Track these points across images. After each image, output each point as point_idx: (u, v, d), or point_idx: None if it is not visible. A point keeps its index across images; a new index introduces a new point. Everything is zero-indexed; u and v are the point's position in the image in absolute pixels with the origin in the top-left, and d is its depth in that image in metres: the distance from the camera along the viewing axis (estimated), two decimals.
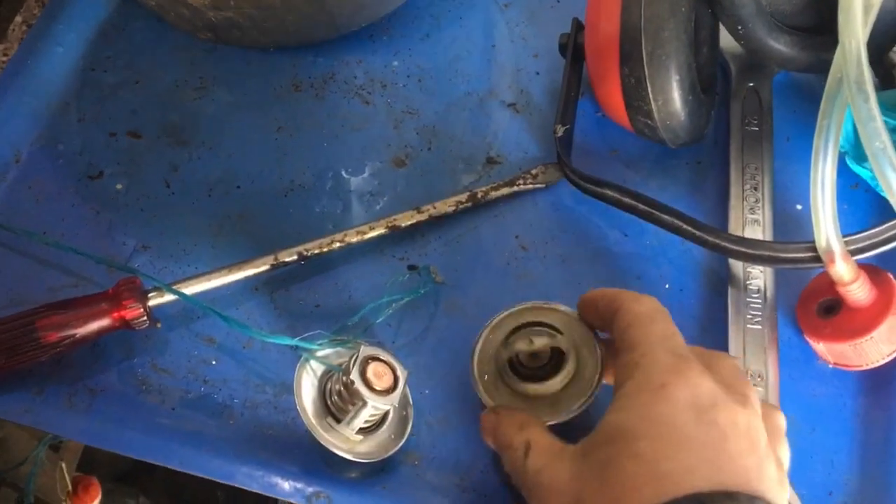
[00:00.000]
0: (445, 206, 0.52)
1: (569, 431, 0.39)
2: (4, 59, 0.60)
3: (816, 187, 0.43)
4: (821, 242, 0.44)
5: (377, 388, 0.43)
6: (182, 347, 0.49)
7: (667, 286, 0.51)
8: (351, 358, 0.43)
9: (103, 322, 0.46)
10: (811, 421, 0.47)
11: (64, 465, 0.83)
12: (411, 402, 0.47)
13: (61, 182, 0.55)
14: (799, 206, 0.53)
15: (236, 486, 0.45)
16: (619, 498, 0.32)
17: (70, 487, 0.85)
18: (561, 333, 0.43)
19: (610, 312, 0.39)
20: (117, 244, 0.53)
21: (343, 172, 0.56)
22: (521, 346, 0.42)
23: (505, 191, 0.53)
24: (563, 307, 0.44)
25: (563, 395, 0.42)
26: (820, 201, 0.43)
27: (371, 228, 0.51)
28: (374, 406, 0.43)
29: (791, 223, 0.53)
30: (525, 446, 0.38)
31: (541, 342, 0.42)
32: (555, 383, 0.41)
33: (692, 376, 0.34)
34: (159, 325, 0.49)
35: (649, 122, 0.50)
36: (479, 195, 0.53)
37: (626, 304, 0.39)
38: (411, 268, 0.52)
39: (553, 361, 0.42)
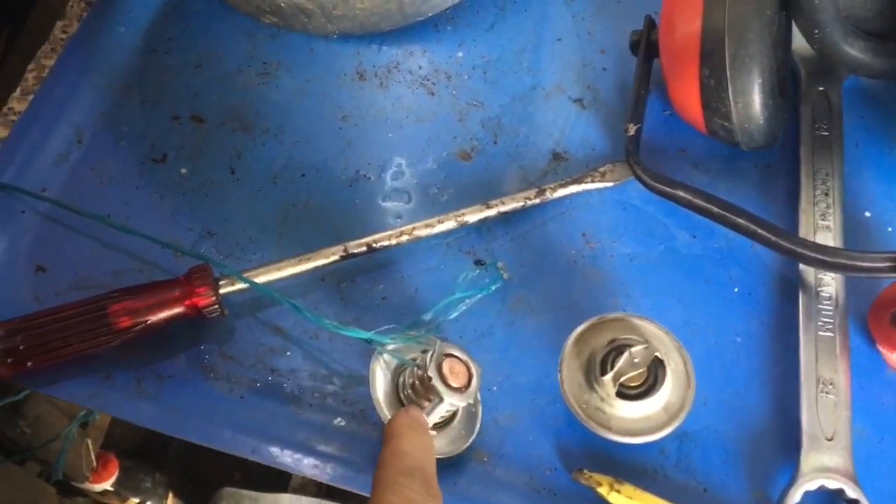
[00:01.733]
0: (514, 201, 0.52)
1: None
2: (63, 36, 0.60)
3: None
4: None
5: (453, 384, 0.43)
6: (249, 336, 0.49)
7: (735, 290, 0.51)
8: (428, 354, 0.43)
9: (175, 309, 0.46)
10: (880, 429, 0.47)
11: (90, 441, 0.84)
12: (479, 398, 0.47)
13: (125, 164, 0.54)
14: (868, 214, 0.53)
15: (304, 473, 0.45)
16: None
17: (94, 464, 0.86)
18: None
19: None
20: (182, 229, 0.52)
21: (407, 164, 0.55)
22: (627, 367, 0.44)
23: (573, 188, 0.53)
24: (645, 320, 0.46)
25: (646, 419, 0.45)
26: None
27: (439, 222, 0.51)
28: (450, 402, 0.42)
29: (860, 230, 0.52)
30: None
31: (643, 359, 0.44)
32: (648, 405, 0.44)
33: None
34: (226, 313, 0.49)
35: (726, 123, 0.50)
36: (547, 192, 0.53)
37: (379, 490, 0.36)
38: (478, 263, 0.52)
39: (648, 382, 0.45)
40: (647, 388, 0.44)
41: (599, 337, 0.46)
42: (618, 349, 0.45)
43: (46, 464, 0.77)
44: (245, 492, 0.95)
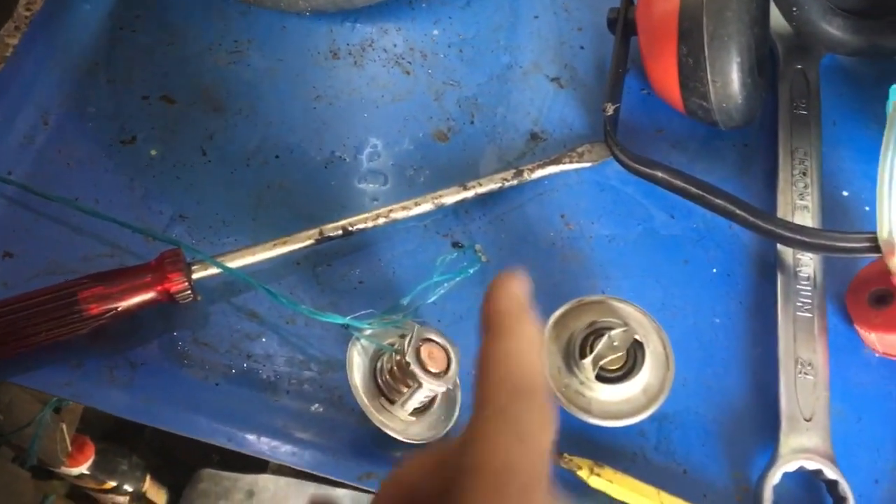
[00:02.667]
0: (491, 182, 0.51)
1: None
2: (28, 13, 0.58)
3: (883, 179, 0.42)
4: (883, 234, 0.43)
5: (431, 369, 0.42)
6: (224, 321, 0.48)
7: (714, 270, 0.51)
8: (406, 339, 0.43)
9: (147, 295, 0.45)
10: (857, 409, 0.47)
11: (65, 426, 0.83)
12: (458, 383, 0.46)
13: (93, 147, 0.53)
14: (845, 193, 0.53)
15: (281, 461, 0.45)
16: None
17: (69, 448, 0.85)
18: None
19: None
20: (153, 213, 0.51)
21: (383, 145, 0.54)
22: (606, 350, 0.44)
23: (551, 169, 0.52)
24: (624, 303, 0.46)
25: (626, 401, 0.45)
26: (886, 193, 0.42)
27: (416, 204, 0.50)
28: (429, 388, 0.42)
29: (838, 209, 0.52)
30: None
31: (622, 342, 0.44)
32: (627, 388, 0.44)
33: None
34: (200, 299, 0.48)
35: (704, 103, 0.49)
36: (525, 173, 0.52)
37: (486, 416, 0.26)
38: (456, 245, 0.51)
39: (627, 364, 0.45)
40: (627, 370, 0.44)
41: (578, 320, 0.46)
42: (597, 332, 0.45)
43: (20, 449, 0.76)
44: (224, 473, 0.95)
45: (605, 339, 0.43)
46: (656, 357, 0.45)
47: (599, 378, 0.44)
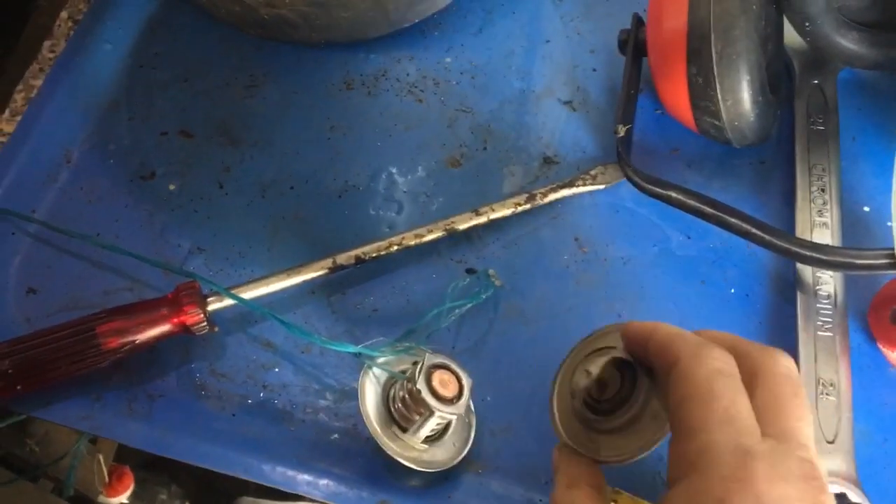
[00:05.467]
0: (504, 207, 0.51)
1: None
2: (51, 55, 0.60)
3: None
4: None
5: (443, 396, 0.42)
6: (240, 352, 0.49)
7: (732, 291, 0.50)
8: (416, 366, 0.43)
9: (163, 327, 0.46)
10: (883, 430, 0.46)
11: (101, 457, 0.84)
12: (473, 409, 0.46)
13: (113, 183, 0.54)
14: (866, 208, 0.52)
15: (297, 491, 0.45)
16: None
17: (107, 478, 0.86)
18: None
19: (663, 365, 0.33)
20: (172, 246, 0.52)
21: (397, 173, 0.55)
22: (580, 378, 0.38)
23: (564, 192, 0.52)
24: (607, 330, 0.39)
25: (636, 429, 0.37)
26: None
27: (429, 231, 0.50)
28: (440, 415, 0.42)
29: (859, 225, 0.51)
30: None
31: (597, 368, 0.38)
32: (625, 413, 0.37)
33: (757, 485, 0.28)
34: (216, 330, 0.49)
35: (716, 122, 0.49)
36: (538, 197, 0.52)
37: (683, 362, 0.32)
38: (470, 271, 0.51)
39: (625, 388, 0.37)
40: (622, 398, 0.38)
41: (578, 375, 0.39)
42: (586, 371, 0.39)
43: (59, 480, 0.77)
44: (262, 501, 0.95)
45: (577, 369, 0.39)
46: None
47: (596, 412, 0.38)
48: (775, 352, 0.33)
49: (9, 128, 0.56)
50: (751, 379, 0.31)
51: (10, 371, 0.44)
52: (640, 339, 0.35)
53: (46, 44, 0.60)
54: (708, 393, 0.30)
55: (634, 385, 0.37)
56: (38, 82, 0.58)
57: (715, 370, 0.31)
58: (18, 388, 0.45)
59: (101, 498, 0.84)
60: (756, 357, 0.32)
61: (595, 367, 0.37)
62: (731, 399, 0.30)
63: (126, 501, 0.88)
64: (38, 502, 0.77)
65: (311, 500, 0.93)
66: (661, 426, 0.36)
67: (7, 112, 0.57)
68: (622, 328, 0.37)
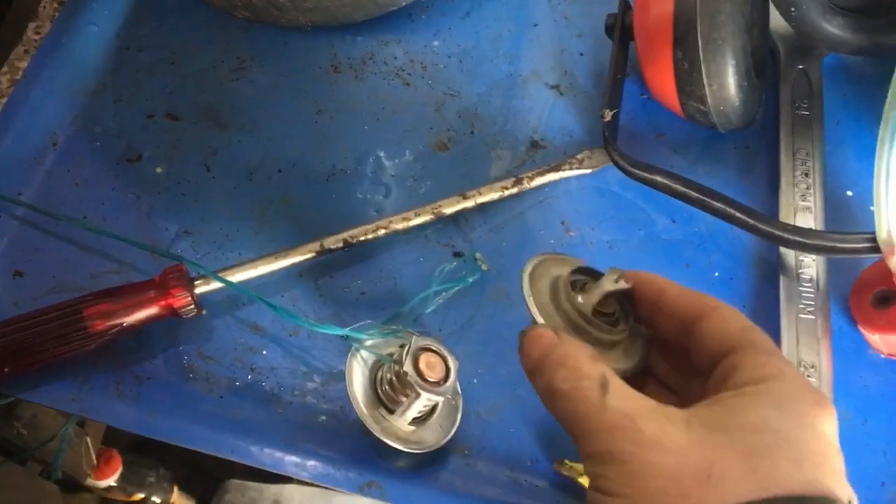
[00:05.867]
0: (491, 191, 0.51)
1: None
2: (37, 37, 0.59)
3: (880, 178, 0.42)
4: (882, 234, 0.43)
5: (430, 378, 0.42)
6: (228, 335, 0.49)
7: (716, 274, 0.50)
8: (403, 348, 0.43)
9: (151, 310, 0.46)
10: (863, 411, 0.47)
11: (89, 439, 0.84)
12: (460, 391, 0.46)
13: (100, 165, 0.54)
14: (849, 193, 0.53)
15: (284, 472, 0.45)
16: (768, 487, 0.29)
17: (95, 461, 0.86)
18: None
19: (693, 310, 0.36)
20: (159, 229, 0.52)
21: (384, 156, 0.55)
22: (609, 285, 0.37)
23: (551, 176, 0.53)
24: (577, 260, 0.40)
25: (614, 351, 0.37)
26: (883, 192, 0.42)
27: (416, 215, 0.50)
28: (427, 397, 0.42)
29: (842, 209, 0.52)
30: (601, 379, 0.32)
31: (624, 281, 0.37)
32: (618, 332, 0.37)
33: (832, 413, 0.32)
34: (204, 312, 0.49)
35: (701, 106, 0.49)
36: (525, 181, 0.52)
37: (724, 310, 0.35)
38: (457, 255, 0.51)
39: (616, 313, 0.38)
40: (614, 321, 0.37)
41: (558, 269, 0.39)
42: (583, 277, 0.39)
43: (47, 463, 0.77)
44: (250, 483, 0.96)
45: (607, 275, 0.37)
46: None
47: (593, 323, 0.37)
48: None
49: None
50: None
51: None
52: (657, 285, 0.37)
53: (31, 25, 0.59)
54: (755, 334, 0.34)
55: (623, 315, 0.38)
56: (24, 64, 0.57)
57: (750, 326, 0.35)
58: (6, 370, 0.45)
59: (90, 480, 0.85)
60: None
61: (623, 279, 0.37)
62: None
63: (114, 484, 0.88)
64: (27, 485, 0.77)
65: (297, 481, 0.93)
66: (634, 357, 0.38)
67: None
68: (630, 271, 0.38)
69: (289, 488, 0.95)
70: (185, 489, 1.01)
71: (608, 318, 0.37)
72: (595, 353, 0.34)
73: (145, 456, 0.97)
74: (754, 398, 0.32)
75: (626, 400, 0.31)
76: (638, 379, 0.37)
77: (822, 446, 0.30)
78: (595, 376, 0.32)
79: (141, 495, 0.95)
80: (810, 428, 0.30)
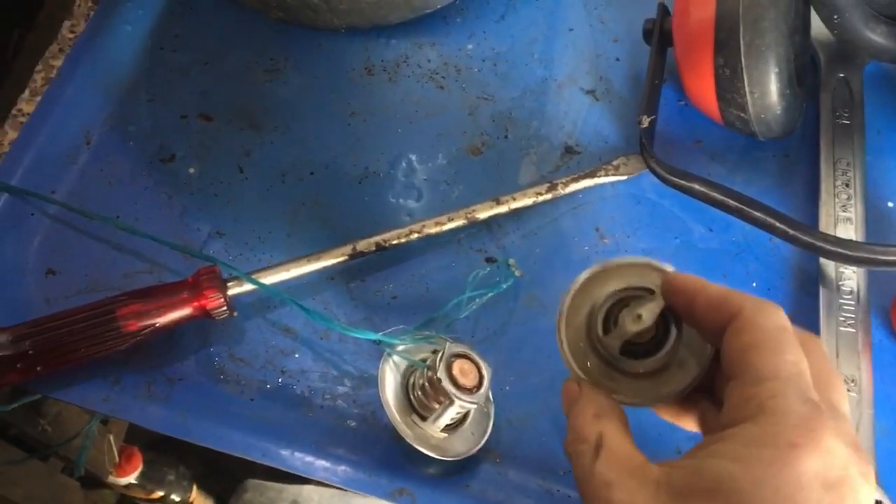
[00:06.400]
0: (525, 197, 0.51)
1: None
2: (71, 36, 0.59)
3: None
4: None
5: (463, 385, 0.42)
6: (259, 337, 0.49)
7: (754, 284, 0.50)
8: (436, 354, 0.43)
9: (183, 311, 0.45)
10: None
11: (112, 437, 0.84)
12: (492, 399, 0.46)
13: (133, 165, 0.54)
14: (890, 204, 0.52)
15: (315, 476, 0.45)
16: None
17: (117, 459, 0.86)
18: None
19: (719, 317, 0.32)
20: (191, 230, 0.52)
21: (417, 160, 0.54)
22: (630, 324, 0.35)
23: (586, 182, 0.52)
24: (654, 262, 0.37)
25: (664, 373, 0.36)
26: None
27: (450, 219, 0.50)
28: (460, 404, 0.42)
29: (883, 221, 0.51)
30: (597, 442, 0.32)
31: (649, 314, 0.35)
32: (658, 359, 0.35)
33: (826, 439, 0.28)
34: (236, 314, 0.49)
35: (742, 114, 0.48)
36: (559, 186, 0.52)
37: (747, 312, 0.32)
38: (489, 260, 0.51)
39: (658, 333, 0.36)
40: (657, 343, 0.36)
41: (604, 287, 0.38)
42: (623, 301, 0.37)
43: (69, 460, 0.77)
44: (269, 483, 0.96)
45: (627, 309, 0.36)
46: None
47: (625, 353, 0.36)
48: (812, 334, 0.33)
49: (28, 108, 0.56)
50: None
51: (30, 352, 0.44)
52: (689, 293, 0.34)
53: (66, 24, 0.60)
54: (778, 344, 0.30)
55: (668, 333, 0.35)
56: (58, 62, 0.58)
57: (781, 325, 0.31)
58: (38, 368, 0.45)
59: (111, 478, 0.85)
60: (797, 331, 0.33)
61: (647, 312, 0.35)
62: (798, 355, 0.30)
63: (134, 481, 0.89)
64: (48, 482, 0.77)
65: (317, 483, 0.93)
66: (687, 375, 0.36)
67: (27, 92, 0.57)
68: (664, 277, 0.35)
69: (307, 489, 0.95)
70: (204, 488, 1.02)
71: (647, 345, 0.36)
72: (606, 406, 0.34)
73: (165, 454, 0.97)
74: (720, 447, 0.29)
75: (611, 464, 0.31)
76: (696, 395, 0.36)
77: (789, 496, 0.27)
78: (592, 439, 0.32)
79: (160, 493, 0.95)
80: (776, 477, 0.28)
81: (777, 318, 0.31)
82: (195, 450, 1.10)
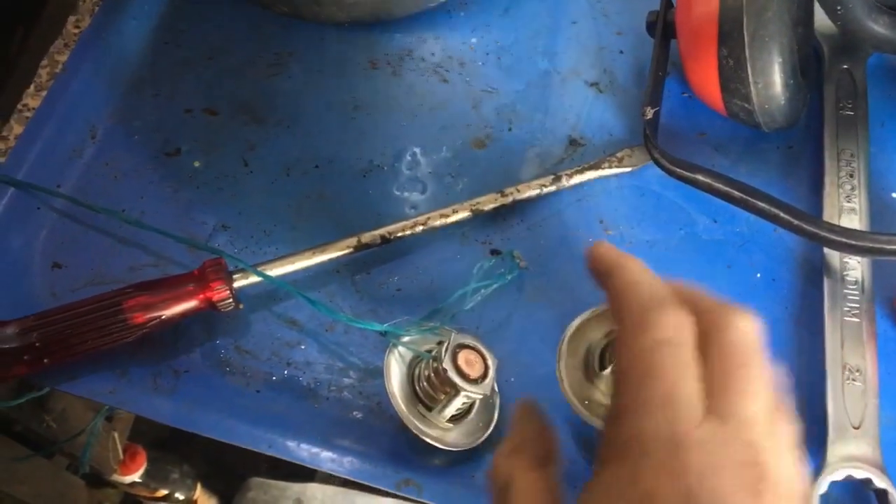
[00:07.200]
0: (529, 189, 0.51)
1: None
2: (76, 31, 0.59)
3: None
4: None
5: (469, 375, 0.42)
6: (265, 329, 0.49)
7: (758, 275, 0.50)
8: (442, 345, 0.43)
9: (190, 303, 0.46)
10: None
11: (116, 434, 0.84)
12: (497, 390, 0.46)
13: (138, 159, 0.54)
14: (894, 194, 0.52)
15: (321, 469, 0.45)
16: None
17: (121, 456, 0.86)
18: None
19: (613, 304, 0.31)
20: (196, 223, 0.52)
21: (421, 153, 0.55)
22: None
23: (590, 174, 0.52)
24: None
25: None
26: None
27: (454, 212, 0.50)
28: (465, 394, 0.42)
29: (887, 212, 0.51)
30: (506, 481, 0.31)
31: None
32: None
33: (688, 477, 0.25)
34: (241, 307, 0.49)
35: (746, 105, 0.48)
36: (563, 178, 0.52)
37: (626, 329, 0.29)
38: (494, 252, 0.51)
39: None
40: None
41: (596, 330, 0.44)
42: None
43: (74, 457, 0.78)
44: (273, 482, 0.96)
45: None
46: None
47: None
48: (732, 312, 0.29)
49: (34, 103, 0.56)
50: (703, 342, 0.29)
51: (37, 344, 0.44)
52: (601, 269, 0.33)
53: (71, 19, 0.60)
54: (648, 370, 0.28)
55: None
56: (63, 58, 0.58)
57: (661, 340, 0.28)
58: (45, 361, 0.45)
59: (115, 476, 0.85)
60: (712, 318, 0.29)
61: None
62: (674, 378, 0.27)
63: (138, 480, 0.89)
64: (53, 480, 0.77)
65: (320, 480, 0.93)
66: None
67: (32, 87, 0.57)
68: (590, 248, 0.35)
69: (311, 487, 0.95)
70: (208, 486, 1.02)
71: None
72: (526, 439, 0.33)
73: (169, 452, 0.97)
74: (585, 498, 0.28)
75: None
76: None
77: None
78: (500, 474, 0.32)
79: (164, 492, 0.95)
80: None
81: (656, 332, 0.28)
82: (199, 448, 1.11)
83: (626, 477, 0.27)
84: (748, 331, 0.29)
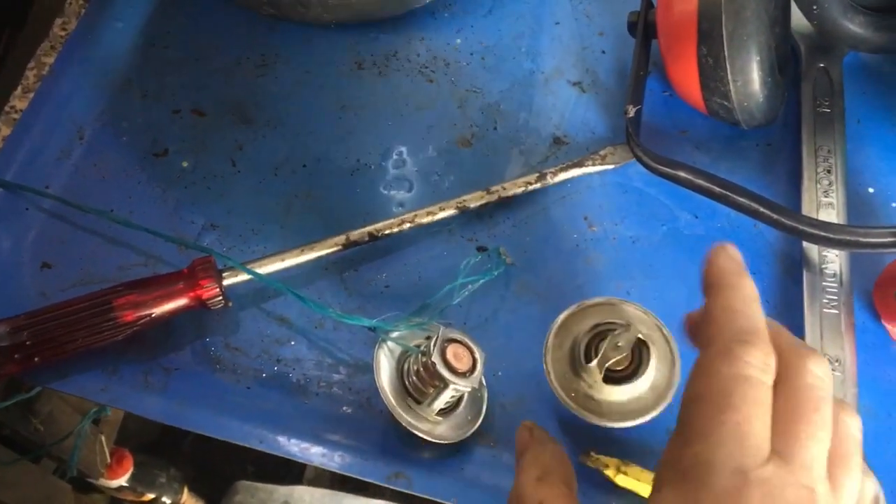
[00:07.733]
0: (515, 186, 0.52)
1: None
2: (63, 33, 0.60)
3: None
4: None
5: (457, 369, 0.43)
6: (254, 327, 0.49)
7: None
8: (431, 340, 0.43)
9: (179, 301, 0.46)
10: (887, 406, 0.47)
11: (103, 438, 0.84)
12: (485, 383, 0.47)
13: (126, 160, 0.54)
14: (871, 190, 0.53)
15: (312, 462, 0.45)
16: None
17: (108, 460, 0.86)
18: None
19: (707, 322, 0.31)
20: (185, 223, 0.52)
21: (408, 152, 0.55)
22: (610, 352, 0.43)
23: (574, 172, 0.53)
24: (626, 303, 0.46)
25: (636, 400, 0.44)
26: None
27: (441, 209, 0.51)
28: (454, 388, 0.43)
29: (864, 207, 0.52)
30: None
31: (626, 343, 0.43)
32: (635, 384, 0.44)
33: None
34: (231, 305, 0.49)
35: (725, 103, 0.50)
36: (548, 176, 0.52)
37: (710, 355, 0.29)
38: (481, 249, 0.52)
39: (634, 361, 0.44)
40: (633, 370, 0.44)
41: (581, 324, 0.45)
42: (600, 334, 0.44)
43: (61, 461, 0.77)
44: (259, 485, 0.96)
45: (608, 340, 0.43)
46: (661, 354, 0.44)
47: (607, 380, 0.43)
48: (807, 356, 0.30)
49: (21, 104, 0.56)
50: (778, 383, 0.30)
51: (27, 343, 0.45)
52: (712, 281, 0.33)
53: (58, 21, 0.60)
54: (725, 399, 0.28)
55: (642, 360, 0.44)
56: (50, 60, 0.58)
57: (742, 376, 0.29)
58: (36, 359, 0.45)
59: (102, 480, 0.85)
60: (786, 360, 0.30)
61: (624, 341, 0.43)
62: (747, 414, 0.28)
63: (125, 484, 0.88)
64: (41, 484, 0.77)
65: (307, 483, 0.93)
66: (661, 401, 0.43)
67: (19, 89, 0.57)
68: (713, 251, 0.35)
69: (299, 489, 0.95)
70: (195, 490, 1.02)
71: (624, 371, 0.44)
72: (550, 465, 0.34)
73: (156, 456, 0.97)
74: None
75: None
76: None
77: None
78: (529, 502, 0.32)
79: (151, 496, 0.95)
80: None
81: (739, 367, 0.29)
82: (186, 452, 1.10)
83: (686, 501, 0.27)
84: (821, 376, 0.30)
